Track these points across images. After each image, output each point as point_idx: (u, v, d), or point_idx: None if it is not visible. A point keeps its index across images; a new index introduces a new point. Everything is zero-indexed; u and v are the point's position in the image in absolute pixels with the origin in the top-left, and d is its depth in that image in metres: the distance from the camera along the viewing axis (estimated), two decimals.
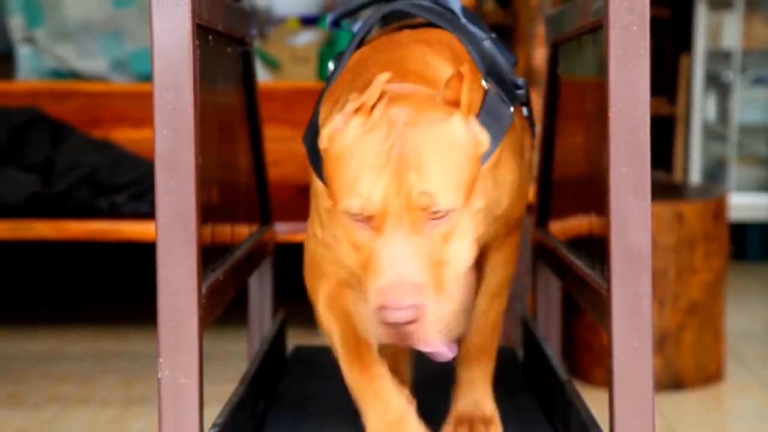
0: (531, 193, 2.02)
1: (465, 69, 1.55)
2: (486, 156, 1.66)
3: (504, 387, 2.17)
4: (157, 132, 1.62)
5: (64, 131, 3.98)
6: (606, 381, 1.67)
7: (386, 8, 1.89)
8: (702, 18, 5.65)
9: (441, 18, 1.85)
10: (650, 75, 1.63)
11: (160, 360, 1.63)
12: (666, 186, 4.28)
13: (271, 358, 2.33)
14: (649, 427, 1.63)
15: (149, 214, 3.59)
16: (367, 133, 1.51)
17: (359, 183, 1.49)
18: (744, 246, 5.66)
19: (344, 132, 1.53)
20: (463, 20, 1.89)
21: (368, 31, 1.90)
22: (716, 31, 5.70)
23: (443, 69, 1.69)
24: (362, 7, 1.98)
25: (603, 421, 1.75)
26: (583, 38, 2.06)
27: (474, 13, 1.96)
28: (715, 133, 5.83)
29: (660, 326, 3.51)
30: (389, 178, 1.48)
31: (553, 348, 2.41)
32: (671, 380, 3.55)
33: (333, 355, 1.88)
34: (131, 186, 3.86)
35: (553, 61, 2.52)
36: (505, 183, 1.79)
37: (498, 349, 2.14)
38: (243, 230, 2.23)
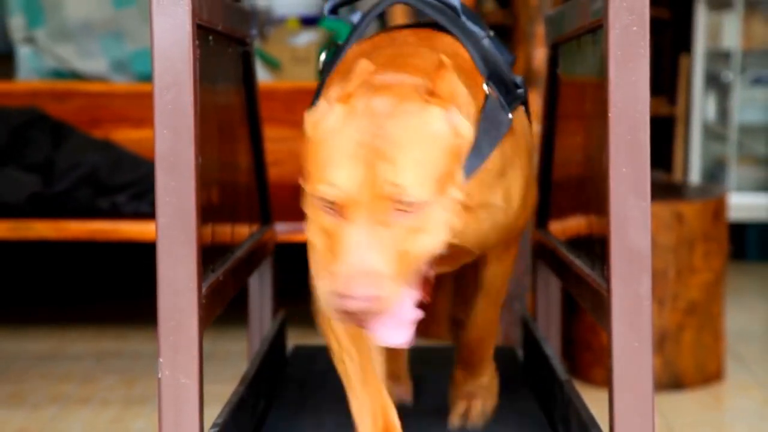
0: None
1: (446, 59, 1.55)
2: (480, 159, 1.66)
3: (504, 387, 2.17)
4: (158, 132, 1.63)
5: (64, 131, 3.99)
6: (606, 381, 1.67)
7: (386, 2, 1.89)
8: (701, 18, 5.65)
9: (442, 15, 1.85)
10: (650, 75, 1.63)
11: (161, 360, 1.63)
12: (666, 186, 4.28)
13: (271, 358, 2.33)
14: (649, 427, 1.63)
15: (150, 214, 3.59)
16: (345, 122, 1.53)
17: (331, 170, 1.50)
18: (743, 246, 5.66)
19: (325, 119, 1.55)
20: (463, 18, 1.89)
21: (368, 24, 1.90)
22: (716, 32, 5.70)
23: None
24: None
25: (603, 421, 1.75)
26: (582, 38, 2.06)
27: (472, 11, 1.96)
28: (714, 133, 5.84)
29: (659, 326, 3.51)
30: (360, 168, 1.49)
31: (552, 348, 2.41)
32: (671, 380, 3.56)
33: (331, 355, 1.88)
34: (132, 186, 3.86)
35: (552, 61, 2.53)
36: (511, 191, 1.79)
37: (498, 349, 2.15)
38: (243, 230, 2.23)
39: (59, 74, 4.43)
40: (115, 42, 4.42)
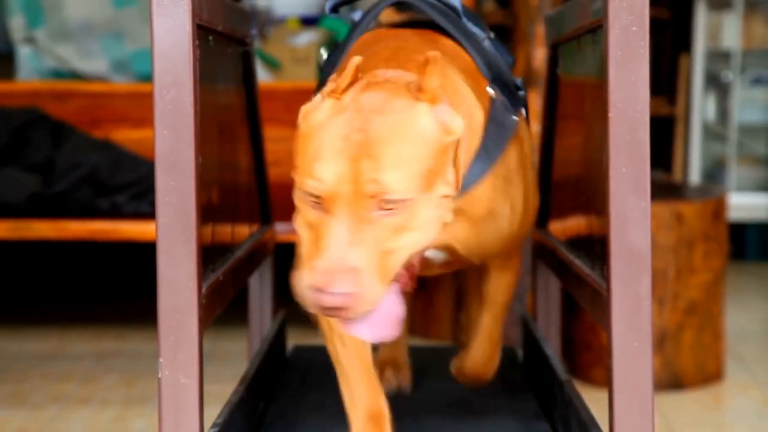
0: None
1: (433, 55, 1.54)
2: (488, 163, 1.66)
3: (504, 387, 2.17)
4: (158, 132, 1.63)
5: (64, 131, 3.99)
6: (605, 381, 1.67)
7: (387, 2, 1.89)
8: (701, 18, 5.65)
9: (444, 17, 1.85)
10: (650, 75, 1.63)
11: (161, 360, 1.63)
12: (665, 186, 4.28)
13: (271, 358, 2.33)
14: (649, 427, 1.63)
15: (150, 214, 3.60)
16: (333, 116, 1.53)
17: (316, 164, 1.51)
18: (743, 246, 5.66)
19: (315, 112, 1.55)
20: (464, 20, 1.89)
21: (369, 23, 1.90)
22: (716, 32, 5.70)
23: (456, 79, 1.70)
24: None
25: (603, 421, 1.75)
26: (582, 38, 2.06)
27: (473, 12, 1.96)
28: (714, 133, 5.84)
29: (659, 326, 3.52)
30: (344, 163, 1.49)
31: (552, 348, 2.42)
32: (671, 380, 3.56)
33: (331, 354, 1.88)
34: (132, 186, 3.86)
35: (552, 61, 2.53)
36: (515, 198, 1.79)
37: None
38: (243, 230, 2.24)
39: (59, 74, 4.43)
40: (116, 42, 4.42)
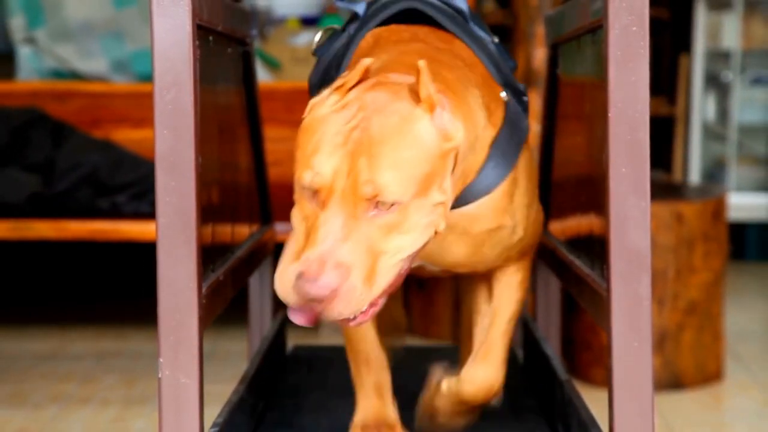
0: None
1: (423, 64, 1.54)
2: (507, 167, 1.67)
3: (504, 387, 2.17)
4: (158, 132, 1.63)
5: (65, 131, 3.99)
6: (605, 381, 1.67)
7: (399, 5, 1.88)
8: (701, 18, 5.66)
9: (452, 21, 1.85)
10: (650, 75, 1.63)
11: (161, 359, 1.63)
12: (665, 186, 4.28)
13: (271, 358, 2.33)
14: (649, 427, 1.63)
15: (150, 214, 3.60)
16: (336, 112, 1.54)
17: (315, 157, 1.52)
18: (743, 246, 5.66)
19: (320, 106, 1.57)
20: (471, 24, 1.89)
21: (377, 24, 1.89)
22: (715, 32, 5.70)
23: (450, 76, 1.70)
24: None
25: (602, 421, 1.75)
26: (582, 39, 2.06)
27: (477, 15, 1.96)
28: (714, 134, 5.84)
29: (659, 326, 3.52)
30: (342, 159, 1.50)
31: (552, 348, 2.42)
32: (670, 380, 3.56)
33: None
34: (132, 186, 3.86)
35: (552, 61, 2.53)
36: (522, 204, 1.79)
37: None
38: (243, 230, 2.24)
39: (59, 74, 4.43)
40: (116, 42, 4.42)
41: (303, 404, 2.18)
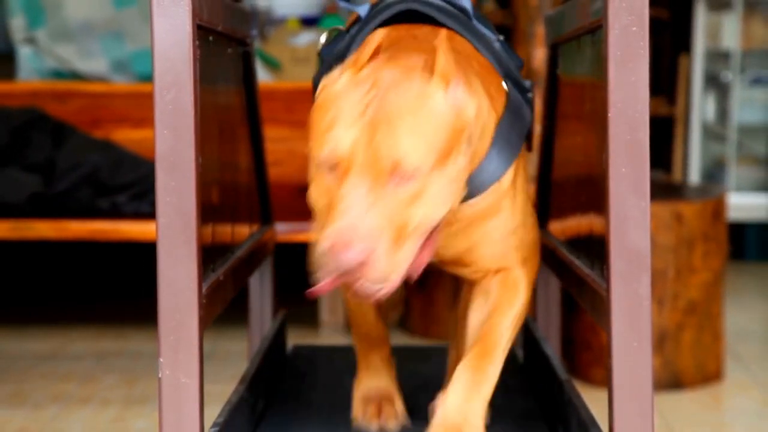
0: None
1: (441, 38, 1.58)
2: (511, 158, 1.68)
3: (503, 387, 2.17)
4: (158, 132, 1.63)
5: (65, 131, 3.99)
6: (605, 380, 1.67)
7: (399, 6, 1.89)
8: (701, 18, 5.66)
9: (455, 20, 1.85)
10: (649, 75, 1.63)
11: (161, 359, 1.63)
12: (665, 186, 4.29)
13: (271, 358, 2.33)
14: (649, 427, 1.63)
15: (150, 214, 3.60)
16: (351, 87, 1.56)
17: (333, 130, 1.53)
18: (743, 246, 5.67)
19: (333, 83, 1.59)
20: (475, 22, 1.89)
21: (378, 25, 1.89)
22: (715, 32, 5.71)
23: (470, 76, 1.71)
24: None
25: (602, 421, 1.75)
26: (582, 39, 2.06)
27: (482, 14, 1.96)
28: (714, 134, 5.84)
29: (659, 326, 3.52)
30: (361, 131, 1.52)
31: (552, 348, 2.42)
32: (670, 380, 3.56)
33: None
34: (132, 186, 3.87)
35: (552, 61, 2.53)
36: (522, 191, 1.80)
37: None
38: (243, 230, 2.24)
39: (60, 74, 4.43)
40: (116, 42, 4.42)
41: (303, 404, 2.18)
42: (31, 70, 4.45)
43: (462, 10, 1.89)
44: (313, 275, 1.54)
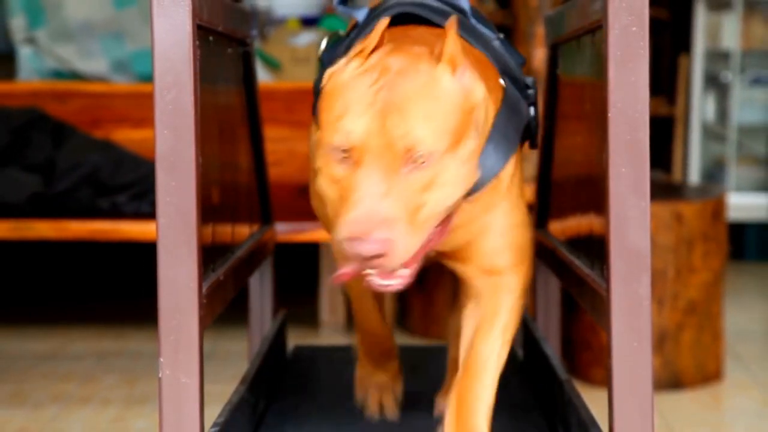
0: (529, 195, 2.01)
1: (451, 22, 1.59)
2: (509, 152, 1.69)
3: (503, 386, 2.17)
4: (158, 132, 1.63)
5: (65, 131, 3.99)
6: (605, 380, 1.67)
7: (395, 9, 1.89)
8: (701, 18, 5.66)
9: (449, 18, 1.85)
10: (649, 75, 1.63)
11: (161, 359, 1.63)
12: (665, 186, 4.29)
13: (272, 358, 2.33)
14: (648, 427, 1.63)
15: (150, 214, 3.60)
16: (360, 75, 1.57)
17: (344, 118, 1.53)
18: (742, 246, 5.67)
19: (341, 72, 1.60)
20: (473, 21, 1.89)
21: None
22: (715, 32, 5.71)
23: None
24: None
25: (602, 421, 1.75)
26: (582, 39, 2.06)
27: (481, 14, 1.96)
28: (713, 134, 5.84)
29: (659, 326, 3.52)
30: (373, 118, 1.52)
31: (552, 347, 2.42)
32: (670, 380, 3.56)
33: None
34: (132, 186, 3.87)
35: (552, 61, 2.53)
36: (518, 187, 1.80)
37: None
38: (243, 230, 2.24)
39: (60, 74, 4.43)
40: (116, 42, 4.42)
41: (304, 404, 2.18)
42: (31, 70, 4.45)
43: (460, 10, 1.90)
44: (336, 262, 1.54)
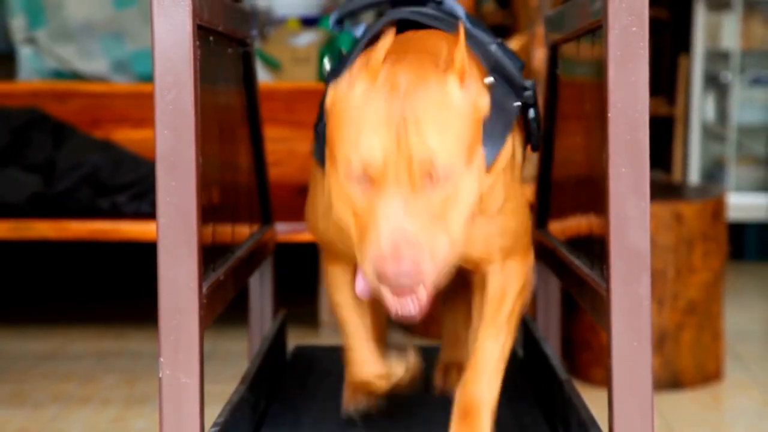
0: (529, 195, 2.01)
1: (460, 30, 1.57)
2: (497, 148, 1.67)
3: (503, 386, 2.17)
4: (158, 132, 1.63)
5: (65, 131, 3.99)
6: (605, 380, 1.68)
7: (390, 16, 1.89)
8: (701, 19, 5.66)
9: (445, 24, 1.86)
10: (649, 75, 1.63)
11: (161, 359, 1.64)
12: (665, 186, 4.29)
13: (272, 358, 2.33)
14: (648, 427, 1.63)
15: (150, 214, 3.60)
16: (370, 94, 1.54)
17: (360, 141, 1.51)
18: (742, 246, 5.67)
19: (349, 92, 1.56)
20: (468, 25, 1.89)
21: (373, 38, 1.90)
22: (715, 32, 5.71)
23: (447, 49, 1.70)
24: (366, 7, 1.99)
25: (602, 421, 1.75)
26: (582, 39, 2.06)
27: (478, 20, 1.97)
28: (713, 134, 5.84)
29: (659, 326, 3.52)
30: (390, 138, 1.50)
31: (552, 347, 2.42)
32: (670, 380, 3.56)
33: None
34: (132, 186, 3.87)
35: (552, 61, 2.53)
36: (511, 183, 1.79)
37: None
38: (244, 230, 2.24)
39: (60, 74, 4.43)
40: (116, 42, 4.42)
41: (304, 404, 2.18)
42: (31, 70, 4.45)
43: (455, 17, 1.90)
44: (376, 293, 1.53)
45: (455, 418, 1.79)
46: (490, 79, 1.76)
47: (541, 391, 2.22)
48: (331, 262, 1.94)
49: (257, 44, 4.05)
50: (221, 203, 1.97)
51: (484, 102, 1.60)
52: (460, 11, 1.91)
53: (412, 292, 1.49)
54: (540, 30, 3.76)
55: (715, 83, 5.81)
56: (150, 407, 3.37)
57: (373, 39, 1.90)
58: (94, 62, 4.41)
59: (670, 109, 5.79)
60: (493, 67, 1.81)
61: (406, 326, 4.18)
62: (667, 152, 5.84)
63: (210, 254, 1.81)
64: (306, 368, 2.44)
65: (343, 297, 1.94)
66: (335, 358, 2.49)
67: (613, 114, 1.63)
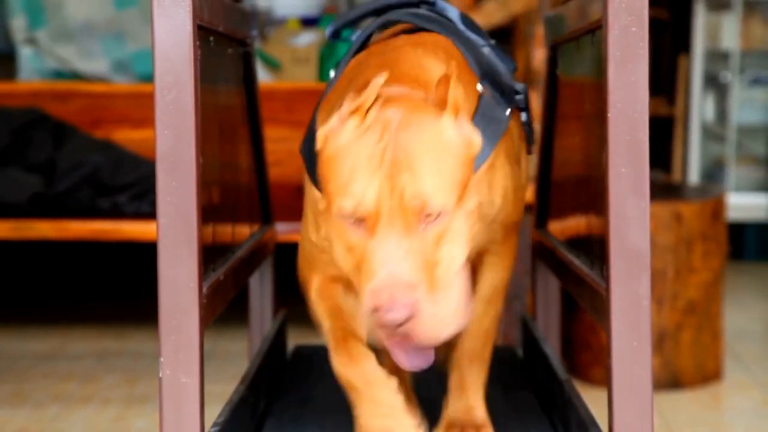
0: (529, 195, 2.02)
1: (452, 67, 1.55)
2: (482, 158, 1.66)
3: (503, 386, 2.18)
4: (159, 132, 1.63)
5: (66, 132, 3.99)
6: (605, 380, 1.68)
7: (383, 18, 1.90)
8: (700, 19, 5.66)
9: (438, 26, 1.86)
10: (649, 75, 1.64)
11: (162, 359, 1.64)
12: (664, 186, 4.29)
13: (272, 358, 2.33)
14: (648, 426, 1.64)
15: (151, 214, 3.60)
16: (361, 135, 1.52)
17: (353, 184, 1.50)
18: (742, 246, 5.67)
19: (339, 133, 1.54)
20: (461, 27, 1.89)
21: (365, 40, 1.90)
22: (715, 32, 5.71)
23: (436, 70, 1.69)
24: (362, 17, 1.99)
25: (602, 420, 1.75)
26: (582, 39, 2.06)
27: (472, 21, 1.97)
28: (713, 134, 5.84)
29: (658, 326, 3.52)
30: (382, 180, 1.49)
31: (552, 347, 2.42)
32: (670, 379, 3.56)
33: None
34: (133, 186, 3.87)
35: (552, 61, 2.53)
36: (500, 188, 1.79)
37: (497, 349, 2.15)
38: (244, 230, 2.24)
39: (60, 75, 4.43)
40: (116, 42, 4.42)
41: (304, 404, 2.18)
42: (31, 70, 4.45)
43: (447, 19, 1.90)
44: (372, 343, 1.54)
45: (454, 368, 1.91)
46: (480, 87, 1.76)
47: (541, 391, 2.23)
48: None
49: (257, 44, 4.06)
50: (221, 203, 1.97)
51: (477, 142, 1.58)
52: (453, 13, 1.91)
53: (411, 333, 1.47)
54: (540, 30, 3.77)
55: (714, 83, 5.81)
56: (150, 407, 3.37)
57: (366, 41, 1.90)
58: (94, 62, 4.41)
59: (669, 109, 5.80)
60: (484, 71, 1.80)
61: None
62: (667, 152, 5.84)
63: (210, 254, 1.81)
64: (306, 368, 2.45)
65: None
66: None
67: (612, 114, 1.63)
